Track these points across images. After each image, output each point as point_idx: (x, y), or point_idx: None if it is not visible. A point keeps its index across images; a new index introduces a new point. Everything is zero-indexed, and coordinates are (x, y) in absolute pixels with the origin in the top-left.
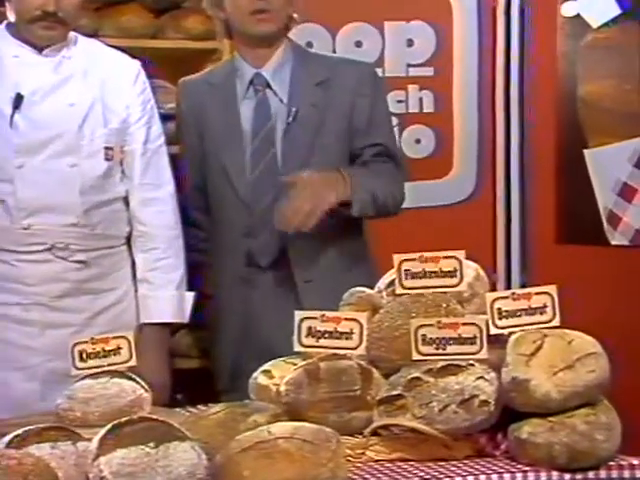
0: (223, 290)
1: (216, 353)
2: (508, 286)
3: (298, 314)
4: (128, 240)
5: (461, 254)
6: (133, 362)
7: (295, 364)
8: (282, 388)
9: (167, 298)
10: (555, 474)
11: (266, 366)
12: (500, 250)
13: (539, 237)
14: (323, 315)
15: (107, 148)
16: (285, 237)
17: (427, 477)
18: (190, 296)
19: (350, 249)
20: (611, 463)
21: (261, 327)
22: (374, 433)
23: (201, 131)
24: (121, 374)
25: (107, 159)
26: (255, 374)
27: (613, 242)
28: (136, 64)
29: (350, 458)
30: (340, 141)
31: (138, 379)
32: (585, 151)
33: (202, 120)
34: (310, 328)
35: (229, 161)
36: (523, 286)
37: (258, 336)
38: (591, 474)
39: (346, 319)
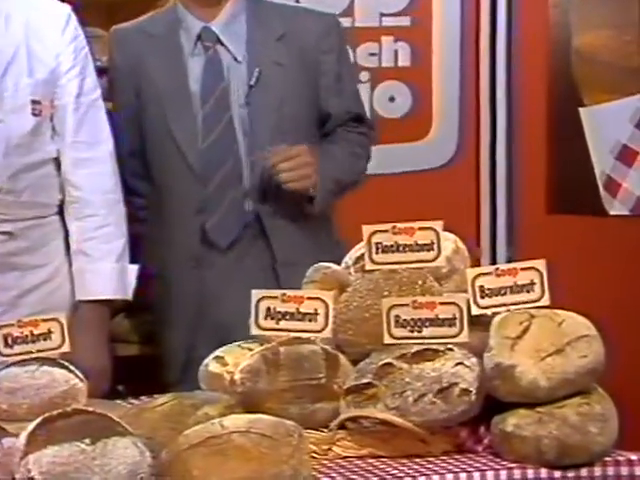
0: (172, 269)
1: (165, 340)
2: (493, 261)
3: (255, 293)
4: (61, 209)
5: (439, 225)
6: (66, 348)
7: (251, 349)
8: (237, 376)
9: (107, 271)
10: (544, 471)
11: (218, 352)
12: (484, 221)
13: (528, 206)
14: (284, 294)
15: (34, 102)
16: (248, 214)
17: (400, 475)
18: (134, 269)
19: (323, 228)
20: (607, 459)
21: (219, 312)
22: (341, 426)
23: (138, 87)
24: (52, 361)
25: (35, 114)
26: (206, 361)
27: (611, 212)
28: (65, 8)
29: (314, 454)
30: (308, 105)
31: (72, 367)
32: (580, 110)
33: (140, 75)
34: (269, 309)
35: (177, 126)
36: (510, 261)
37: (215, 323)
38: (584, 471)
39: (309, 298)
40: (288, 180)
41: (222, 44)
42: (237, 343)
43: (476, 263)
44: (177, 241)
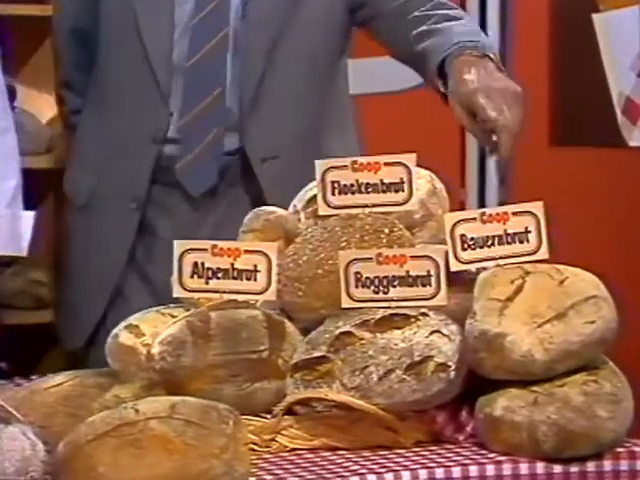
0: (100, 206)
1: (70, 301)
2: (481, 204)
3: (179, 244)
4: None
5: (411, 159)
6: None
7: (174, 316)
8: (155, 349)
9: None
10: (540, 466)
11: (132, 319)
12: (471, 155)
13: (526, 136)
14: (215, 246)
15: None
16: (227, 155)
17: (362, 471)
18: (28, 218)
19: None
20: (619, 450)
21: (160, 273)
22: (288, 411)
23: None
24: None
25: None
26: (116, 330)
27: (631, 143)
28: None
29: (254, 446)
30: (329, 13)
31: None
32: (594, 16)
33: None
34: (196, 264)
35: (149, 32)
36: (502, 204)
37: (153, 289)
38: (591, 465)
39: (248, 252)
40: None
41: None
42: (156, 308)
43: (458, 207)
44: (117, 170)
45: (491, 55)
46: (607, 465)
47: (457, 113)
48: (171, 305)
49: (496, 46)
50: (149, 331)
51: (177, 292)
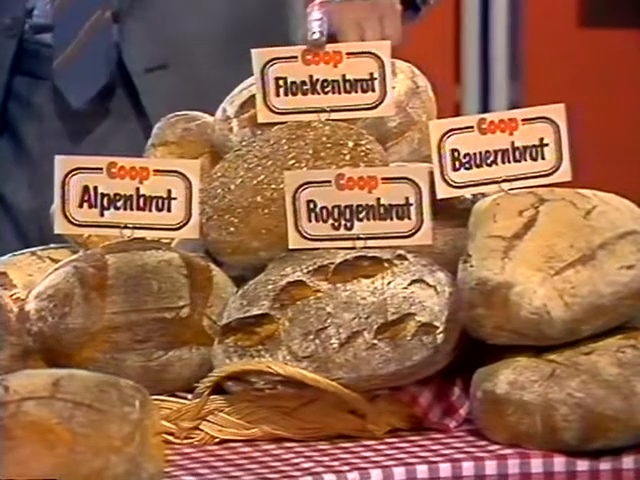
0: None
1: None
2: (484, 108)
3: (62, 162)
4: None
5: (385, 48)
6: None
7: (56, 260)
8: (31, 306)
9: None
10: (559, 461)
11: None
12: (468, 40)
13: (548, 15)
14: (113, 164)
15: None
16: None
17: (317, 470)
18: None
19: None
20: None
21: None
22: (216, 389)
23: None
24: None
25: None
26: None
27: None
28: None
29: (170, 437)
30: None
31: None
32: None
33: None
34: (87, 190)
35: None
36: (514, 108)
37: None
38: (628, 461)
39: (159, 172)
40: None
41: None
42: (31, 249)
43: (451, 112)
44: None
45: None
46: None
47: None
48: (51, 245)
49: None
50: (21, 281)
51: (60, 227)
